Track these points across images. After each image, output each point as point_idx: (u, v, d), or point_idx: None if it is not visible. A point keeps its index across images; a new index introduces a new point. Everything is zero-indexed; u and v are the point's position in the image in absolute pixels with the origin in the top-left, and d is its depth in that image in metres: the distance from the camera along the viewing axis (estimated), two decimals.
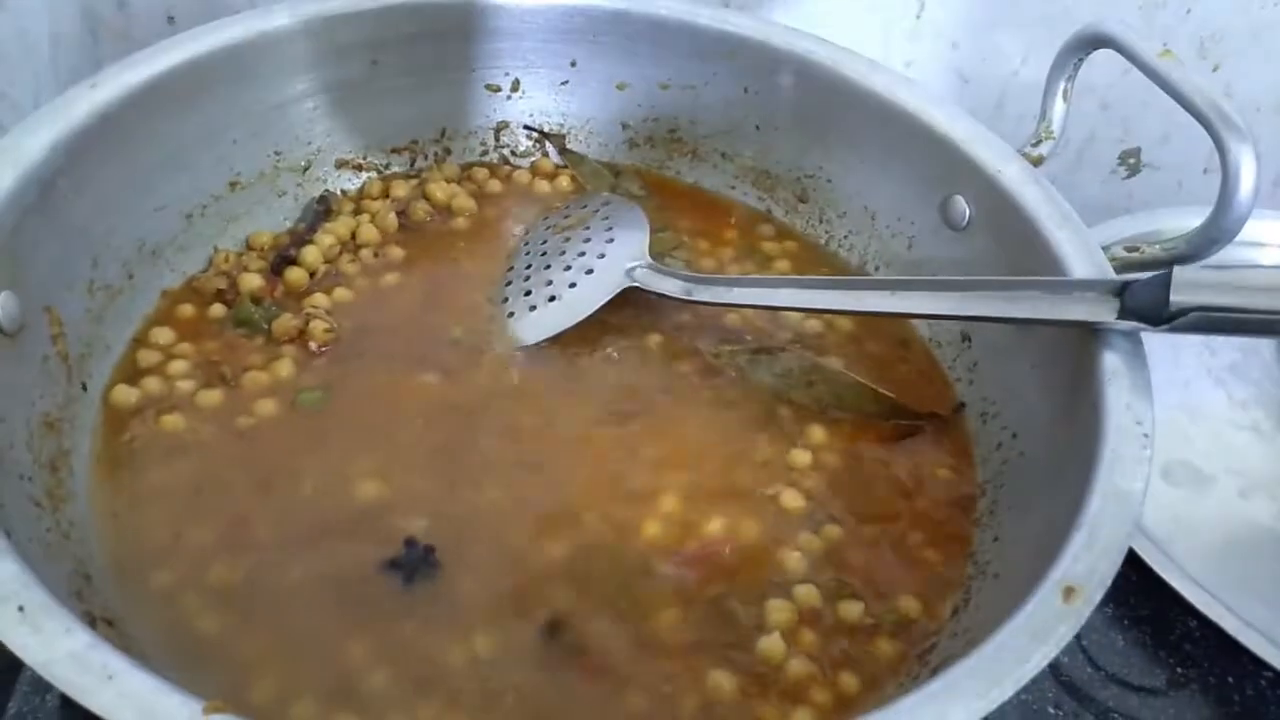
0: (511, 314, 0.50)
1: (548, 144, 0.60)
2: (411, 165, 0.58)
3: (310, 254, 0.51)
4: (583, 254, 0.51)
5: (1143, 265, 0.46)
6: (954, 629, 0.40)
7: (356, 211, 0.54)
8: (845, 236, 0.56)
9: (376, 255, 0.53)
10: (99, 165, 0.45)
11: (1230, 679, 0.47)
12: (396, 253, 0.53)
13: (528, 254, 0.53)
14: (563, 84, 0.58)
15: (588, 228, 0.52)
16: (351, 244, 0.53)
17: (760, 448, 0.46)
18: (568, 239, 0.52)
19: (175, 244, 0.50)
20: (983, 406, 0.48)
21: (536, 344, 0.49)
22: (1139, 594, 0.49)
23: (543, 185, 0.58)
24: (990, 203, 0.49)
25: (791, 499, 0.44)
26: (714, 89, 0.57)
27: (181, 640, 0.37)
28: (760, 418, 0.47)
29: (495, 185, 0.58)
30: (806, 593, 0.41)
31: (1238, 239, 0.43)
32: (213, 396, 0.45)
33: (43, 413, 0.41)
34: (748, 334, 0.51)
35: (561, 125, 0.59)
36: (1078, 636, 0.33)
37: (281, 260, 0.51)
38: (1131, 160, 0.72)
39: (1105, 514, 0.35)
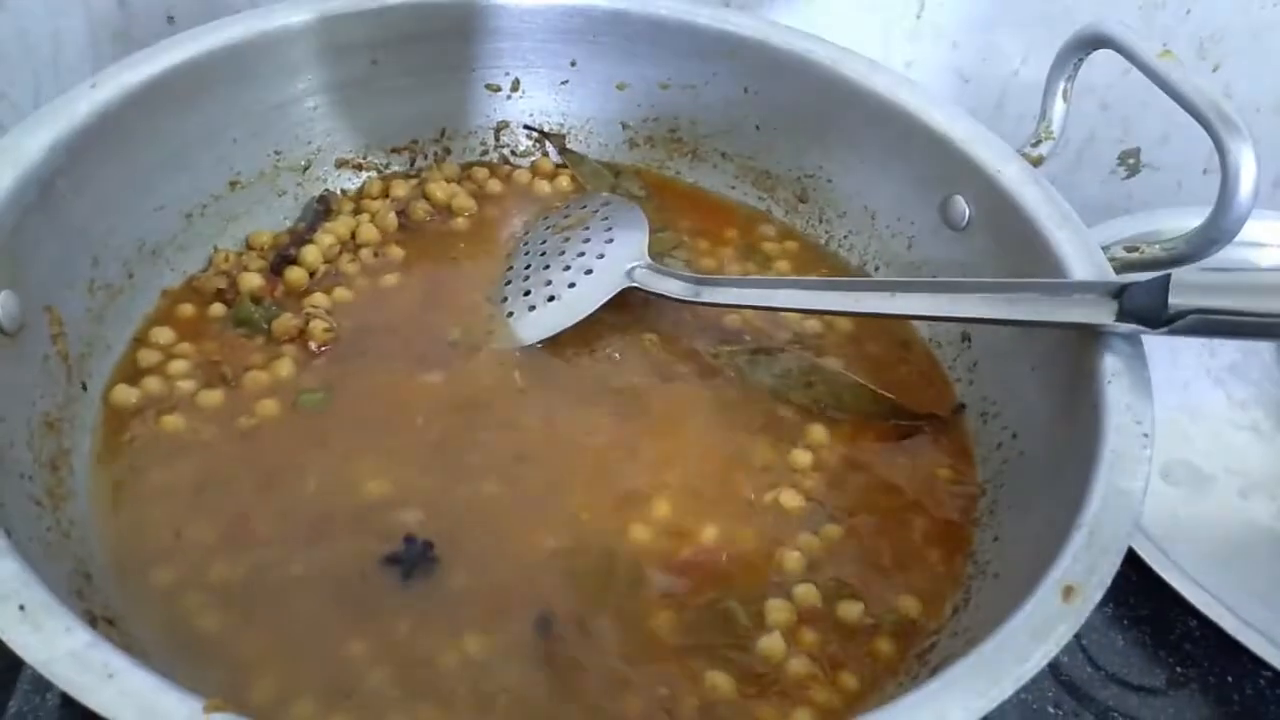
0: (511, 314, 0.50)
1: (548, 144, 0.60)
2: (411, 165, 0.58)
3: (310, 254, 0.51)
4: (582, 254, 0.51)
5: (1143, 265, 0.46)
6: (954, 628, 0.40)
7: (356, 211, 0.54)
8: (845, 236, 0.56)
9: (376, 255, 0.53)
10: (99, 165, 0.45)
11: (1230, 678, 0.47)
12: (396, 252, 0.53)
13: (527, 254, 0.53)
14: (563, 84, 0.58)
15: (587, 228, 0.52)
16: (351, 244, 0.53)
17: (759, 448, 0.46)
18: (567, 239, 0.52)
19: (175, 243, 0.50)
20: (983, 406, 0.48)
21: (536, 344, 0.49)
22: (1139, 594, 0.49)
23: (543, 185, 0.58)
24: (990, 203, 0.49)
25: (791, 499, 0.44)
26: (714, 89, 0.57)
27: (182, 638, 0.37)
28: (759, 418, 0.47)
29: (495, 185, 0.58)
30: (806, 592, 0.41)
31: (1237, 239, 0.43)
32: (213, 396, 0.45)
33: (43, 412, 0.41)
34: (747, 334, 0.51)
35: (561, 125, 0.59)
36: (1077, 636, 0.33)
37: (281, 260, 0.51)
38: (1131, 160, 0.72)
39: (1105, 514, 0.36)
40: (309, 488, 0.42)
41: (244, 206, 0.52)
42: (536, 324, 0.49)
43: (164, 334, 0.47)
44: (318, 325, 0.48)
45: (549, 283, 0.50)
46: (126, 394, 0.45)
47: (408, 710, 0.36)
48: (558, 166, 0.59)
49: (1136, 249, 0.46)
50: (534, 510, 0.42)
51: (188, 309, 0.49)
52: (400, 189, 0.55)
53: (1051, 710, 0.45)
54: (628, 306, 0.50)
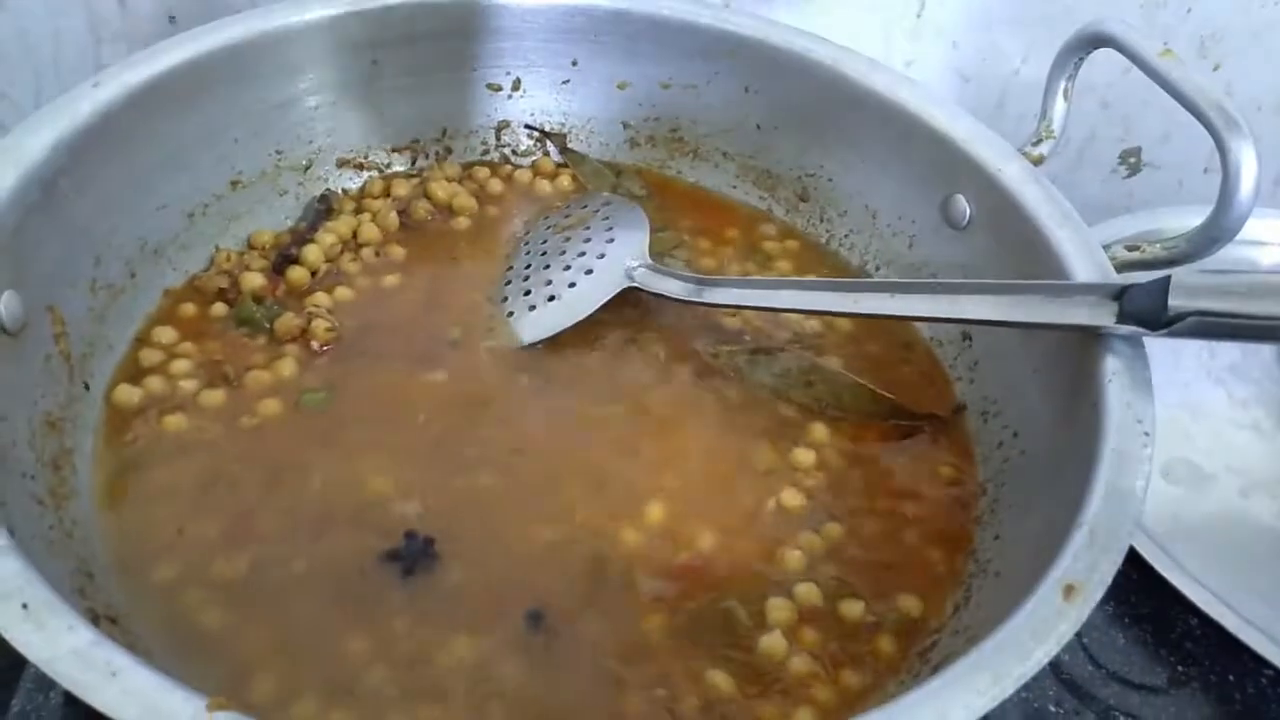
0: (511, 313, 0.50)
1: (549, 143, 0.60)
2: (413, 164, 0.58)
3: (312, 253, 0.51)
4: (583, 254, 0.51)
5: (1144, 264, 0.46)
6: (955, 627, 0.40)
7: (358, 210, 0.55)
8: (846, 235, 0.56)
9: (378, 254, 0.53)
10: (101, 165, 0.45)
11: (1231, 677, 0.47)
12: (398, 252, 0.53)
13: (528, 253, 0.53)
14: (564, 83, 0.58)
15: (588, 227, 0.52)
16: (353, 243, 0.53)
17: (759, 448, 0.46)
18: (568, 239, 0.52)
19: (177, 243, 0.50)
20: (984, 405, 0.48)
21: (535, 343, 0.49)
22: (1140, 592, 0.49)
23: (544, 185, 0.58)
24: (991, 202, 0.49)
25: (792, 498, 0.44)
26: (715, 88, 0.57)
27: (183, 636, 0.37)
28: (759, 418, 0.47)
29: (496, 184, 0.58)
30: (807, 591, 0.41)
31: (1238, 238, 0.43)
32: (215, 396, 0.45)
33: (45, 411, 0.41)
34: (746, 334, 0.51)
35: (563, 124, 0.59)
36: (1078, 634, 0.33)
37: (283, 259, 0.51)
38: (1132, 159, 0.73)
39: (1106, 512, 0.35)
40: (311, 486, 0.42)
41: (246, 206, 0.52)
42: (536, 323, 0.49)
43: (166, 333, 0.47)
44: (320, 324, 0.48)
45: (549, 282, 0.50)
46: (129, 393, 0.45)
47: (407, 708, 0.36)
48: (559, 166, 0.59)
49: (1137, 248, 0.46)
50: (534, 509, 0.42)
51: (190, 308, 0.49)
52: (402, 188, 0.56)
53: (1053, 709, 0.45)
54: (628, 306, 0.50)
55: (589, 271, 0.50)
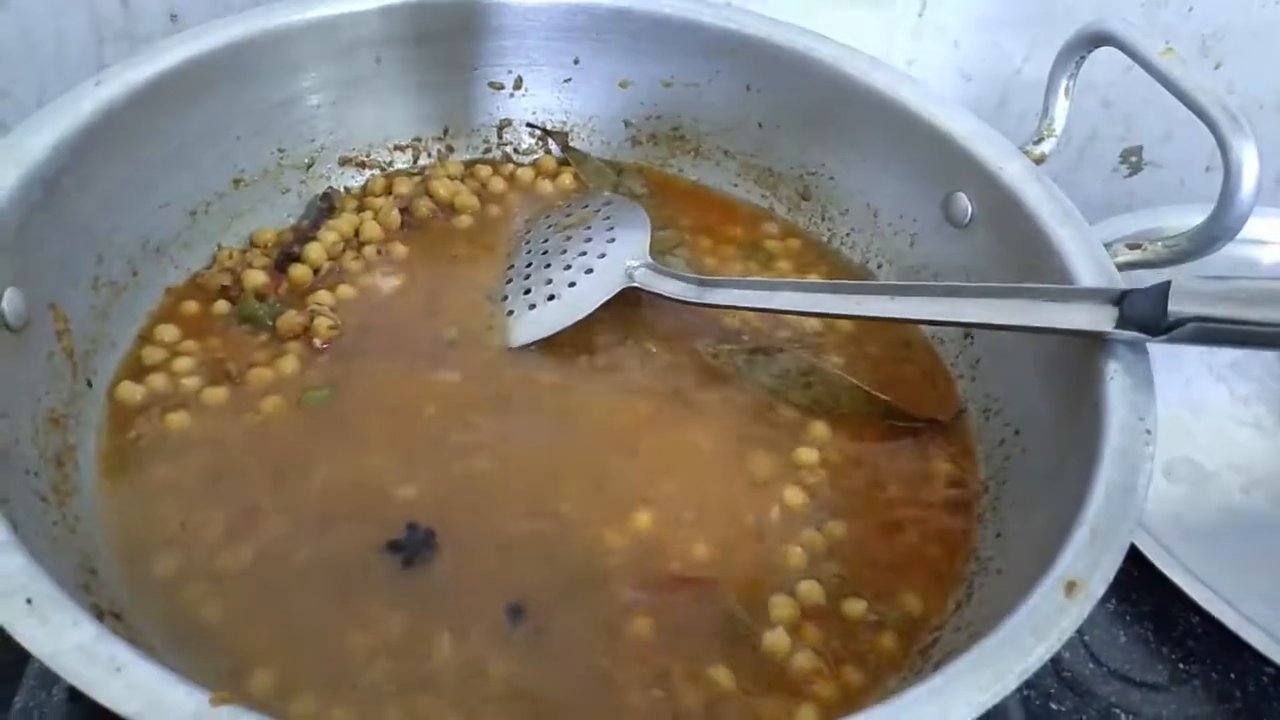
0: (511, 312, 0.50)
1: (550, 142, 0.60)
2: (415, 162, 0.58)
3: (314, 251, 0.51)
4: (583, 253, 0.51)
5: (1145, 263, 0.46)
6: (956, 624, 0.40)
7: (360, 208, 0.55)
8: (848, 234, 0.56)
9: (380, 252, 0.53)
10: (103, 163, 0.45)
11: (1232, 675, 0.47)
12: (400, 250, 0.53)
13: (528, 252, 0.53)
14: (565, 82, 0.58)
15: (589, 227, 0.52)
16: (355, 241, 0.53)
17: (758, 447, 0.46)
18: (569, 238, 0.52)
19: (179, 241, 0.50)
20: (985, 403, 0.48)
21: (535, 343, 0.49)
22: (1141, 590, 0.49)
23: (545, 183, 0.58)
24: (992, 200, 0.49)
25: (793, 496, 0.44)
26: (716, 86, 0.57)
27: (184, 630, 0.37)
28: (759, 418, 0.47)
29: (498, 183, 0.58)
30: (809, 589, 0.41)
31: (1240, 237, 0.43)
32: (218, 393, 0.45)
33: (48, 409, 0.41)
34: (745, 334, 0.51)
35: (564, 123, 0.60)
36: (1080, 632, 0.33)
37: (285, 257, 0.51)
38: (1133, 158, 0.73)
39: (1107, 510, 0.36)
40: (313, 482, 0.42)
41: (248, 204, 0.52)
42: (536, 323, 0.49)
43: (169, 331, 0.47)
44: (322, 322, 0.48)
45: (549, 281, 0.50)
46: (131, 391, 0.45)
47: (405, 701, 0.36)
48: (560, 164, 0.59)
49: (1139, 246, 0.46)
50: (533, 507, 0.42)
51: (192, 306, 0.49)
52: (404, 186, 0.56)
53: (1054, 706, 0.45)
54: (627, 305, 0.50)
55: (589, 271, 0.50)
